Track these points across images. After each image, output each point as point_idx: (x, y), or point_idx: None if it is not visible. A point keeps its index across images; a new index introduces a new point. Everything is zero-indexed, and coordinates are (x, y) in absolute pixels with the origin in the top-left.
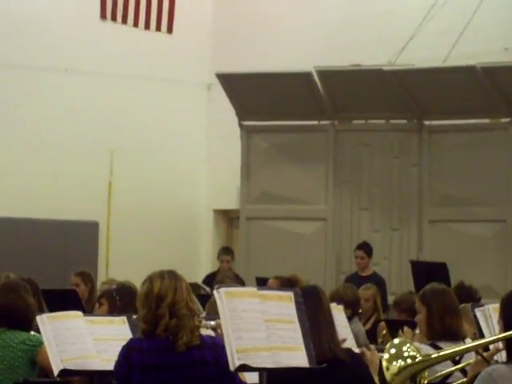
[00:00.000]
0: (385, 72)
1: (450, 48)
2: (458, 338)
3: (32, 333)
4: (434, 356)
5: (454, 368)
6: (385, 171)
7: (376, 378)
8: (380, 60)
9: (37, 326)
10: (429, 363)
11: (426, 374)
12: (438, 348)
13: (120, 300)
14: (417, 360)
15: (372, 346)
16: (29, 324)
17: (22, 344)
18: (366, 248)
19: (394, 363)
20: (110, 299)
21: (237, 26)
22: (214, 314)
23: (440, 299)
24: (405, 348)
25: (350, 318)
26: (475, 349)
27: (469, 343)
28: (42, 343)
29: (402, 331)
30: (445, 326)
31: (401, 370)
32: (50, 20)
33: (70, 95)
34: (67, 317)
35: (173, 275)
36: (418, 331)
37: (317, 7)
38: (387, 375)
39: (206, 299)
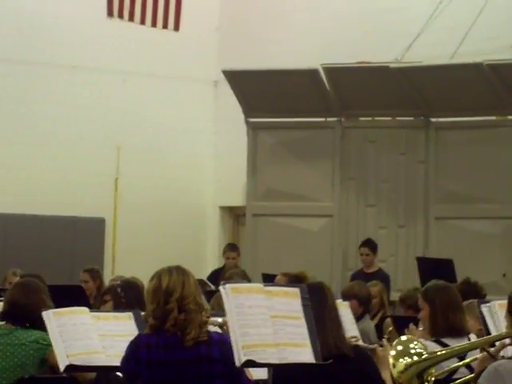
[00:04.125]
0: (391, 69)
1: (457, 45)
2: (461, 334)
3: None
4: (440, 353)
5: (461, 363)
6: (391, 168)
7: (388, 375)
8: (387, 57)
9: None
10: (435, 360)
11: (433, 370)
12: (442, 344)
13: (125, 296)
14: (423, 357)
15: (385, 342)
16: (41, 322)
17: (35, 343)
18: (370, 245)
19: (401, 360)
20: (115, 295)
21: (243, 23)
22: (218, 309)
23: (442, 295)
24: (412, 345)
25: (361, 316)
26: (482, 345)
27: (473, 339)
28: None
29: (408, 327)
30: (448, 322)
31: (407, 367)
32: (57, 17)
33: (77, 92)
34: (73, 312)
35: (180, 270)
36: (421, 328)
37: (323, 4)
38: (394, 372)
39: (212, 296)
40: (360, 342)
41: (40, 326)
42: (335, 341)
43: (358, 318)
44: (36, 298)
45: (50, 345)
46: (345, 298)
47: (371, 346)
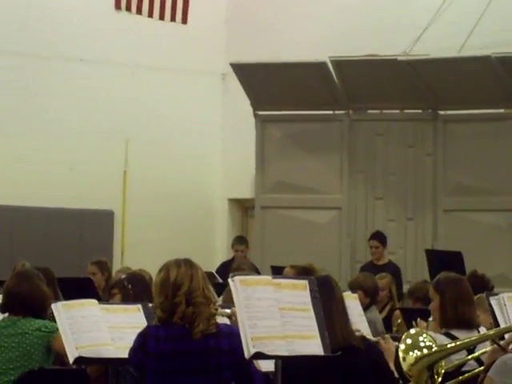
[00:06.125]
0: (400, 62)
1: (465, 38)
2: (471, 326)
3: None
4: (450, 346)
5: (470, 357)
6: (399, 161)
7: (392, 366)
8: (395, 50)
9: (52, 314)
10: (445, 353)
11: (443, 363)
12: (451, 337)
13: (132, 288)
14: (433, 350)
15: (387, 335)
16: (44, 312)
17: (38, 331)
18: (379, 237)
19: (411, 353)
20: (122, 288)
21: (251, 15)
22: (230, 302)
23: (453, 287)
24: (421, 338)
25: (368, 306)
26: (491, 337)
27: (483, 332)
28: (57, 329)
29: (416, 321)
30: (458, 314)
31: (417, 360)
32: (65, 10)
33: (85, 85)
34: (82, 305)
35: (189, 263)
36: (431, 319)
37: None
38: (404, 366)
39: (222, 288)
40: (370, 336)
41: (40, 314)
42: (343, 333)
43: (365, 308)
44: (30, 286)
45: (52, 332)
46: (351, 289)
47: (374, 339)
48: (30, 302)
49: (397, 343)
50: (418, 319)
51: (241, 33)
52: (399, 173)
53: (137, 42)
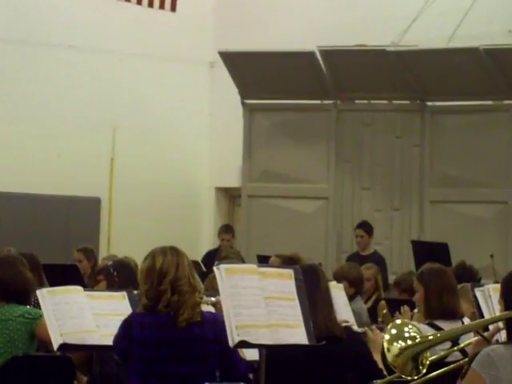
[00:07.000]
0: (388, 52)
1: (453, 29)
2: (455, 317)
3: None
4: (434, 336)
5: (455, 348)
6: (387, 151)
7: (379, 358)
8: (384, 40)
9: (35, 300)
10: (429, 344)
11: (428, 354)
12: (436, 327)
13: (118, 275)
14: (417, 341)
15: (374, 326)
16: (27, 298)
17: (21, 317)
18: (365, 227)
19: (395, 344)
20: (108, 275)
21: (240, 4)
22: (211, 289)
23: (438, 278)
24: (406, 329)
25: (353, 297)
26: (476, 328)
27: (467, 322)
28: (40, 316)
29: (400, 310)
30: (442, 305)
31: (402, 350)
32: None
33: (74, 72)
34: (67, 291)
35: (175, 251)
36: (416, 310)
37: None
38: (389, 356)
39: (205, 277)
40: (354, 326)
41: (23, 300)
42: (326, 323)
43: (350, 298)
44: (13, 272)
45: (35, 318)
46: (335, 279)
47: (361, 330)
48: (13, 287)
49: (382, 334)
50: (403, 307)
51: (229, 21)
52: (386, 163)
53: (125, 29)
